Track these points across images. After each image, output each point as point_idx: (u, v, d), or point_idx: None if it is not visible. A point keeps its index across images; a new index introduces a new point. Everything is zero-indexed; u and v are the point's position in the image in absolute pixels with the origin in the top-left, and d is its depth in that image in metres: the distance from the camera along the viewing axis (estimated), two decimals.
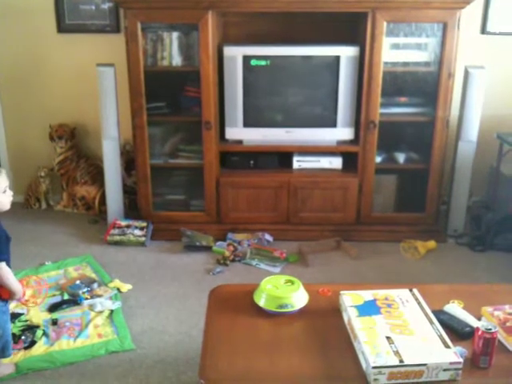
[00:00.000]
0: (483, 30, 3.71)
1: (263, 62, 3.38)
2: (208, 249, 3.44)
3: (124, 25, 3.32)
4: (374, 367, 1.54)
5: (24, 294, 2.31)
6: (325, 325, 1.85)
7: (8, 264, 2.17)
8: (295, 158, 3.55)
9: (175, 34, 3.36)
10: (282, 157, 3.58)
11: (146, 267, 3.25)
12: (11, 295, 2.19)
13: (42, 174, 4.04)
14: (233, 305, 1.97)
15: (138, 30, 3.23)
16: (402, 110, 3.46)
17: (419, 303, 1.86)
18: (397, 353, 1.59)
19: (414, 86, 3.44)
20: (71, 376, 2.33)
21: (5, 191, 2.14)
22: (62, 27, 3.84)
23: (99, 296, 2.88)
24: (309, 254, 3.35)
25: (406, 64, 3.41)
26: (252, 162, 3.57)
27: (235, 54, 3.31)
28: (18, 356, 2.44)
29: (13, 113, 4.06)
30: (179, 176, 3.79)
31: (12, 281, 2.15)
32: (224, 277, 3.12)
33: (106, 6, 3.78)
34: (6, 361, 2.40)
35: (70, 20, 3.83)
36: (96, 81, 3.47)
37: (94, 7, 3.79)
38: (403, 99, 3.47)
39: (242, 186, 3.54)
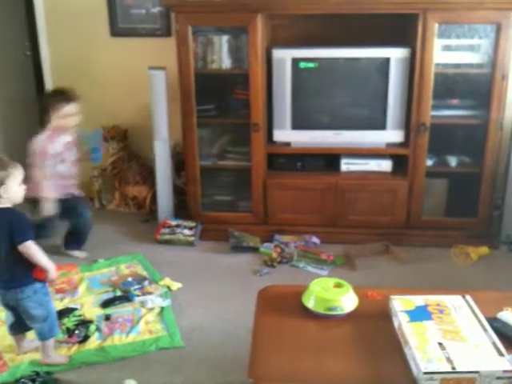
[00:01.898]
0: None
1: (312, 65, 3.38)
2: (255, 250, 3.47)
3: (175, 28, 3.39)
4: (426, 373, 1.53)
5: (57, 275, 2.39)
6: (374, 329, 1.84)
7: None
8: (343, 161, 3.53)
9: (225, 37, 3.40)
10: (329, 159, 3.57)
11: (195, 266, 3.31)
12: (45, 274, 2.26)
13: (95, 174, 4.16)
14: (281, 305, 1.98)
15: (189, 34, 3.29)
16: (454, 113, 3.39)
17: (472, 310, 1.82)
18: (449, 359, 1.57)
19: (466, 87, 3.37)
20: (122, 370, 2.40)
21: (20, 184, 2.25)
22: (114, 31, 3.95)
23: (150, 293, 2.95)
24: (356, 257, 3.33)
25: (457, 66, 3.33)
26: (299, 163, 3.57)
27: (284, 56, 3.32)
28: (72, 350, 2.53)
29: None
30: (227, 177, 3.83)
31: (42, 258, 2.24)
32: (271, 278, 3.14)
33: (156, 9, 3.86)
34: (62, 352, 2.50)
35: (122, 24, 3.93)
36: (147, 83, 3.56)
37: (144, 11, 3.88)
38: (455, 101, 3.40)
39: (288, 188, 3.55)
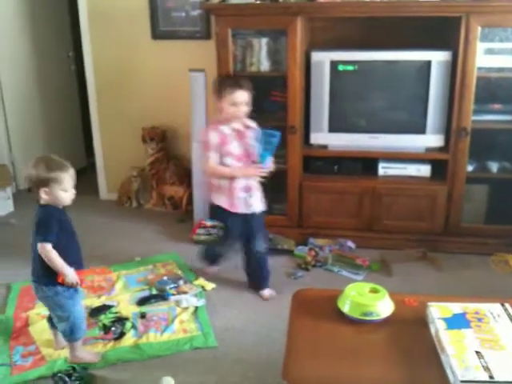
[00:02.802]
0: None
1: (351, 67, 3.36)
2: (289, 252, 3.46)
3: (215, 31, 3.42)
4: (463, 381, 1.50)
5: (81, 282, 2.32)
6: (410, 336, 1.81)
7: (66, 250, 2.24)
8: (381, 165, 3.50)
9: (264, 40, 3.42)
10: (366, 162, 3.54)
11: (229, 267, 3.32)
12: (63, 278, 2.24)
13: (134, 173, 4.23)
14: (316, 309, 1.97)
15: (229, 37, 3.32)
16: (496, 118, 3.32)
17: (511, 318, 1.78)
18: (486, 368, 1.54)
19: (509, 92, 3.29)
20: (157, 369, 2.42)
21: (66, 189, 2.22)
22: (156, 34, 4.02)
23: (185, 293, 2.98)
24: (392, 263, 3.29)
25: (500, 69, 3.27)
26: (336, 167, 3.56)
27: (323, 59, 3.31)
28: (108, 346, 2.57)
29: (108, 115, 4.29)
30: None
31: (57, 262, 2.21)
32: (305, 282, 3.13)
33: (195, 12, 3.91)
34: (98, 348, 2.55)
35: (163, 27, 3.99)
36: (187, 85, 3.60)
37: (184, 14, 3.93)
38: (497, 106, 3.33)
39: (324, 191, 3.54)
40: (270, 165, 2.82)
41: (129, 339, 2.62)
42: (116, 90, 4.21)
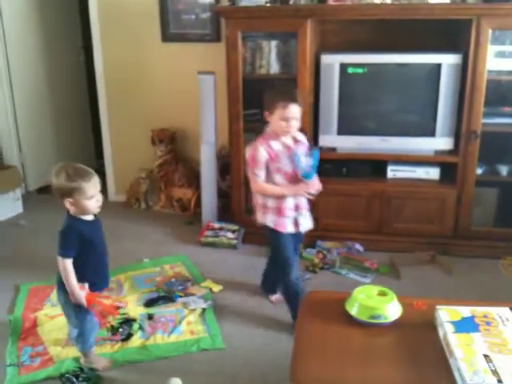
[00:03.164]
0: None
1: (360, 70, 3.35)
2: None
3: (225, 34, 3.43)
4: None
5: (89, 306, 2.24)
6: (418, 339, 1.80)
7: (89, 267, 2.23)
8: (390, 167, 3.48)
9: (274, 43, 3.42)
10: (375, 165, 3.53)
11: (237, 269, 3.33)
12: (70, 296, 2.21)
13: (143, 175, 4.25)
14: (324, 311, 1.96)
15: (239, 39, 3.32)
16: (507, 121, 3.30)
17: None
18: (495, 372, 1.52)
19: None
20: (164, 370, 2.43)
21: (91, 197, 2.17)
22: (166, 36, 4.03)
23: (192, 294, 2.99)
24: (401, 266, 3.27)
25: (511, 73, 3.25)
26: (345, 169, 3.55)
27: (332, 61, 3.31)
28: (116, 347, 2.57)
29: (117, 117, 4.31)
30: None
31: (69, 282, 2.18)
32: (313, 284, 3.12)
33: (205, 15, 3.91)
34: (106, 349, 2.55)
35: (173, 29, 4.01)
36: (196, 88, 3.61)
37: (194, 16, 3.94)
38: (508, 109, 3.31)
39: (333, 194, 3.52)
40: (317, 182, 2.64)
41: (136, 340, 2.62)
42: (126, 92, 4.23)
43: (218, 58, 3.62)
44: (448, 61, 3.19)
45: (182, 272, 3.27)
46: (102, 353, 2.54)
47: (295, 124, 2.53)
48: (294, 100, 2.49)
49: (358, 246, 3.47)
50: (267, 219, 2.65)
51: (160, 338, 2.63)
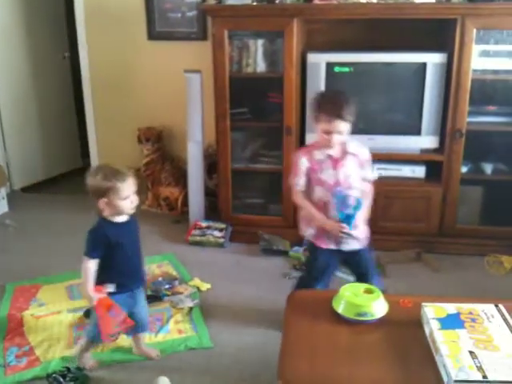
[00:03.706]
0: None
1: (346, 69, 3.37)
2: (284, 253, 3.47)
3: (211, 32, 3.42)
4: (456, 381, 1.50)
5: (97, 310, 2.19)
6: (405, 336, 1.82)
7: (115, 269, 2.22)
8: (376, 166, 3.49)
9: (260, 41, 3.42)
10: None
11: (225, 268, 3.33)
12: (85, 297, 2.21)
13: None
14: (311, 310, 1.98)
15: (225, 38, 3.32)
16: (491, 119, 3.33)
17: (505, 319, 1.79)
18: (480, 368, 1.54)
19: (504, 94, 3.32)
20: (153, 369, 2.42)
21: (125, 198, 2.16)
22: (152, 34, 4.02)
23: (180, 293, 2.98)
24: (387, 264, 3.29)
25: (496, 72, 3.29)
26: None
27: (319, 60, 3.32)
28: (103, 347, 2.55)
29: (103, 116, 4.29)
30: (259, 180, 3.84)
31: (87, 280, 2.16)
32: None
33: (191, 13, 3.90)
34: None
35: (159, 28, 3.99)
36: (183, 86, 3.60)
37: (180, 15, 3.93)
38: (492, 108, 3.34)
39: None
40: (355, 230, 2.41)
41: (124, 340, 2.60)
42: (112, 91, 4.21)
43: (205, 56, 3.62)
44: (433, 60, 3.22)
45: (169, 271, 3.27)
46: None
47: (338, 138, 2.34)
48: (339, 116, 2.30)
49: None
50: (307, 231, 2.56)
51: (147, 338, 2.62)
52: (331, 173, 2.41)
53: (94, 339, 2.38)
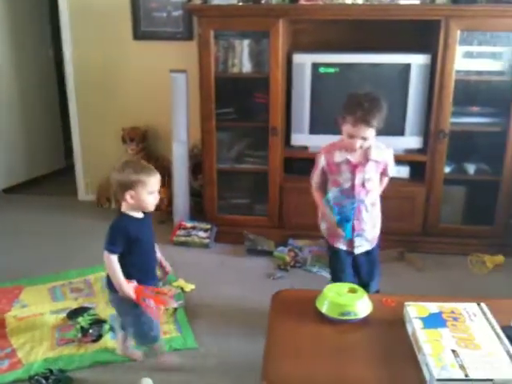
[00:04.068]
0: None
1: (332, 70, 3.38)
2: (269, 253, 3.47)
3: (197, 32, 3.42)
4: (439, 380, 1.51)
5: (138, 300, 2.21)
6: (388, 335, 1.82)
7: (135, 264, 2.23)
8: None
9: (246, 42, 3.42)
10: None
11: (209, 269, 3.32)
12: (118, 291, 2.22)
13: None
14: (295, 310, 1.98)
15: (211, 38, 3.31)
16: (474, 120, 3.37)
17: (487, 318, 1.80)
18: (462, 366, 1.56)
19: (488, 95, 3.35)
20: (137, 370, 2.40)
21: (151, 193, 2.20)
22: (137, 34, 3.99)
23: (164, 294, 2.96)
24: None
25: (479, 73, 3.32)
26: None
27: (304, 61, 3.33)
28: (86, 348, 2.54)
29: (88, 115, 4.26)
30: (244, 180, 3.84)
31: (116, 276, 2.19)
32: (284, 282, 3.14)
33: (177, 13, 3.89)
34: (74, 350, 2.52)
35: (144, 27, 3.97)
36: (168, 86, 3.59)
37: (165, 14, 3.91)
38: (475, 109, 3.38)
39: (305, 192, 3.49)
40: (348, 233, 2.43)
41: (107, 341, 2.59)
42: (96, 91, 4.18)
43: (191, 56, 3.61)
44: (417, 61, 3.24)
45: None
46: (72, 353, 2.51)
47: (362, 143, 2.30)
48: (365, 122, 2.24)
49: None
50: (322, 226, 2.56)
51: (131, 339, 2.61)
52: (348, 176, 2.39)
53: (141, 340, 2.39)
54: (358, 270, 2.58)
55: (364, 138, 2.28)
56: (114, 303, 2.37)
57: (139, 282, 2.26)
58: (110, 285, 2.27)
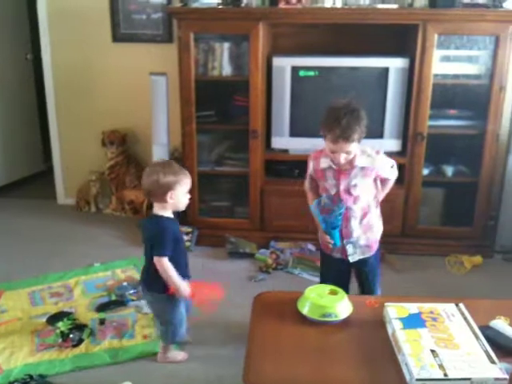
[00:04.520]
0: None
1: (311, 73, 3.40)
2: (251, 256, 3.48)
3: (177, 35, 3.41)
4: (418, 379, 1.54)
5: (193, 295, 2.31)
6: (369, 336, 1.84)
7: (176, 262, 2.27)
8: None
9: (226, 45, 3.43)
10: None
11: (191, 272, 3.30)
12: (176, 291, 2.27)
13: (93, 178, 4.17)
14: (276, 312, 1.99)
15: (191, 41, 3.31)
16: (452, 123, 3.42)
17: (465, 318, 1.83)
18: (441, 366, 1.58)
19: (465, 98, 3.40)
20: (118, 374, 2.39)
21: (186, 193, 2.28)
22: (116, 36, 3.97)
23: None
24: None
25: (456, 76, 3.38)
26: (297, 171, 3.58)
27: (284, 64, 3.34)
28: (67, 354, 2.52)
29: (67, 118, 4.22)
30: (225, 183, 3.84)
31: (172, 276, 2.24)
32: (266, 284, 3.14)
33: (157, 15, 3.88)
34: (54, 355, 2.49)
35: (124, 29, 3.95)
36: (148, 89, 3.58)
37: (145, 17, 3.90)
38: (453, 112, 3.43)
39: (286, 195, 3.56)
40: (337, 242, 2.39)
41: (87, 346, 2.58)
42: (75, 93, 4.14)
43: (170, 58, 3.60)
44: (395, 65, 3.28)
45: (134, 276, 3.23)
46: (52, 359, 2.48)
47: (345, 157, 2.24)
48: (346, 139, 2.17)
49: (311, 246, 3.51)
50: (319, 232, 2.50)
51: (112, 343, 2.59)
52: (334, 183, 2.35)
53: (172, 337, 2.44)
54: (360, 280, 2.55)
55: (347, 153, 2.23)
56: (155, 304, 2.41)
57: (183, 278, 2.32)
58: (152, 286, 2.33)
